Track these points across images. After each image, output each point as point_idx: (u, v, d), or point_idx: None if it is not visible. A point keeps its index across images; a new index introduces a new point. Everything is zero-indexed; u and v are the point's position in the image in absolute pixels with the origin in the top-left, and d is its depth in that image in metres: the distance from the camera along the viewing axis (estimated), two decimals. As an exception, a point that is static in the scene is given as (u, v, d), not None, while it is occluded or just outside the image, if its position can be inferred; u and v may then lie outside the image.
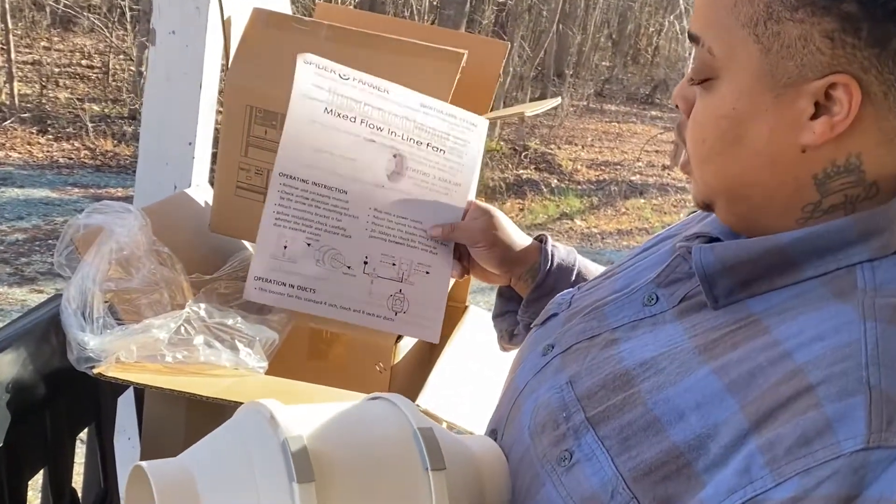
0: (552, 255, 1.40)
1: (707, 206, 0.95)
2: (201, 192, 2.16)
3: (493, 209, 1.46)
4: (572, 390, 0.93)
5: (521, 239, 1.43)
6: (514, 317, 1.47)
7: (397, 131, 1.55)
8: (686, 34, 0.91)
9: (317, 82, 1.53)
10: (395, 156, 1.52)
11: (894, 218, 0.84)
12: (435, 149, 1.55)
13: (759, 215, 0.90)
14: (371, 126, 1.53)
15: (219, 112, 2.23)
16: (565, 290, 1.19)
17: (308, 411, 0.92)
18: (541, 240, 1.44)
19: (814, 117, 0.83)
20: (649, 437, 0.83)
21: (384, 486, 0.87)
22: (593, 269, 1.43)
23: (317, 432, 0.87)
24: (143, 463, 0.85)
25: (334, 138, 1.50)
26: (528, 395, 1.00)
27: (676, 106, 0.94)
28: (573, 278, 1.39)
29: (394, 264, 1.50)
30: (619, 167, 13.41)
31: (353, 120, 1.52)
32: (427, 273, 1.51)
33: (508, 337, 1.52)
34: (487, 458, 0.96)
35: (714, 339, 0.86)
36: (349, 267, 1.49)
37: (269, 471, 0.84)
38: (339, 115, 1.51)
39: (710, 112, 0.89)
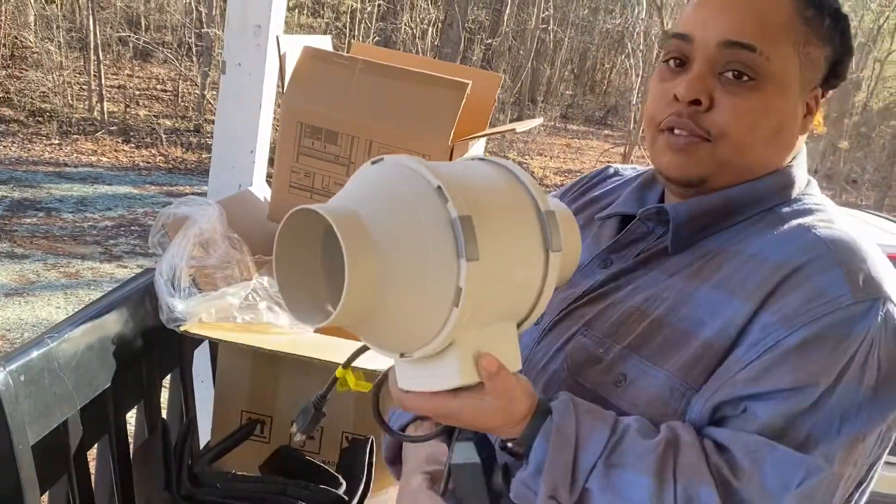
0: None
1: (700, 182, 0.93)
2: (261, 189, 2.17)
3: None
4: (594, 333, 0.93)
5: None
6: None
7: None
8: (663, 61, 0.88)
9: None
10: None
11: (794, 177, 0.96)
12: None
13: (743, 181, 0.94)
14: None
15: (275, 127, 2.23)
16: None
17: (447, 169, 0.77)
18: None
19: (805, 116, 0.95)
20: (685, 343, 0.87)
21: (517, 219, 0.77)
22: None
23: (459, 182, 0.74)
24: (317, 207, 0.70)
25: None
26: (545, 355, 0.97)
27: (695, 101, 0.90)
28: None
29: None
30: (579, 174, 13.39)
31: None
32: None
33: None
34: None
35: (695, 270, 0.91)
36: None
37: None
38: None
39: (762, 106, 0.90)
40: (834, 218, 0.92)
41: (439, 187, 0.70)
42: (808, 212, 0.93)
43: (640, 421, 0.83)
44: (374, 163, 0.77)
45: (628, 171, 1.16)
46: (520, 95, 16.16)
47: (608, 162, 1.10)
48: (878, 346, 0.81)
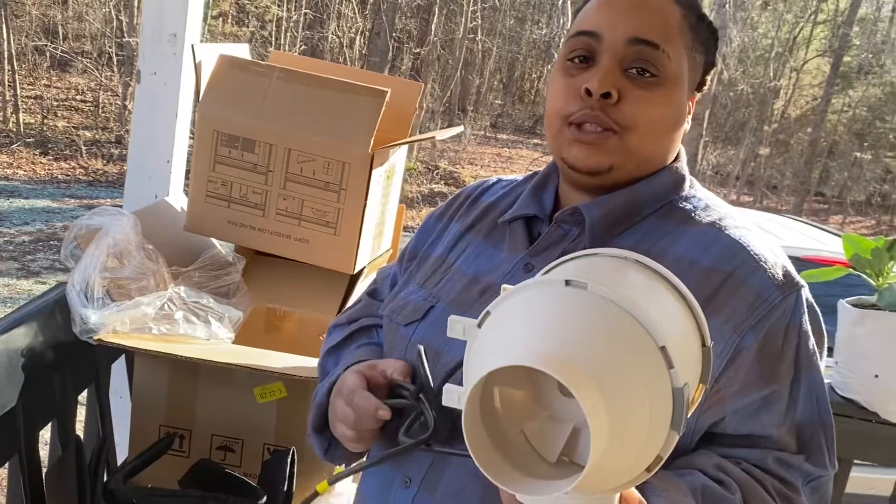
0: None
1: (607, 171, 0.97)
2: (177, 200, 2.14)
3: None
4: None
5: None
6: None
7: None
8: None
9: None
10: None
11: (684, 174, 1.04)
12: None
13: (641, 176, 1.00)
14: None
15: (191, 136, 2.21)
16: (406, 289, 1.11)
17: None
18: None
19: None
20: None
21: (696, 372, 0.75)
22: None
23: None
24: (542, 366, 0.62)
25: None
26: None
27: (606, 94, 0.94)
28: None
29: None
30: (509, 182, 13.53)
31: None
32: None
33: None
34: None
35: None
36: None
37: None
38: None
39: (664, 99, 0.97)
40: (732, 214, 1.02)
41: (663, 348, 0.66)
42: (708, 208, 1.02)
43: (694, 474, 0.89)
44: (569, 283, 0.69)
45: (509, 178, 1.20)
46: (449, 105, 16.27)
47: (537, 170, 1.13)
48: (810, 330, 0.95)
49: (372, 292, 1.26)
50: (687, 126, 1.04)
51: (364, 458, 1.09)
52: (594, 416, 0.61)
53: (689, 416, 0.68)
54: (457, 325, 0.74)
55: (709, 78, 1.05)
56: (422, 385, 0.93)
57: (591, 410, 0.61)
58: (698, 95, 1.05)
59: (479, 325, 0.72)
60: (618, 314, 0.67)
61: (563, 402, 0.71)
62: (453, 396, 0.72)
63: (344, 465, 1.14)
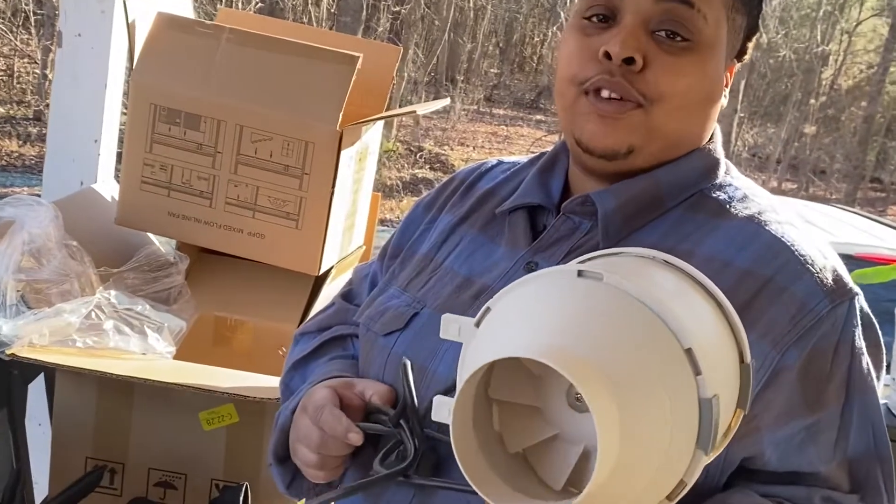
0: None
1: (626, 154, 0.97)
2: (107, 187, 2.14)
3: None
4: None
5: None
6: None
7: None
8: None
9: None
10: None
11: (718, 158, 1.04)
12: None
13: (667, 159, 1.00)
14: None
15: (123, 111, 2.21)
16: (386, 292, 1.12)
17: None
18: None
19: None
20: None
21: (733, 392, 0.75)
22: None
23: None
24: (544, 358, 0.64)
25: None
26: None
27: (628, 59, 0.94)
28: None
29: None
30: (507, 167, 13.55)
31: None
32: None
33: None
34: None
35: None
36: None
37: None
38: None
39: (697, 69, 0.97)
40: (775, 207, 1.01)
41: (689, 350, 0.67)
42: (746, 199, 1.01)
43: None
44: (582, 274, 0.72)
45: (512, 160, 1.19)
46: (436, 74, 16.29)
47: (541, 151, 1.13)
48: (864, 346, 0.95)
49: (347, 294, 1.26)
50: (724, 101, 1.04)
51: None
52: (602, 418, 0.63)
53: (721, 442, 0.68)
54: (451, 326, 0.76)
55: (750, 45, 1.05)
56: (404, 406, 0.93)
57: (600, 411, 0.63)
58: (737, 65, 1.05)
59: (477, 325, 0.74)
60: (636, 309, 0.69)
61: (573, 418, 0.72)
62: (444, 410, 0.73)
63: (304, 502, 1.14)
